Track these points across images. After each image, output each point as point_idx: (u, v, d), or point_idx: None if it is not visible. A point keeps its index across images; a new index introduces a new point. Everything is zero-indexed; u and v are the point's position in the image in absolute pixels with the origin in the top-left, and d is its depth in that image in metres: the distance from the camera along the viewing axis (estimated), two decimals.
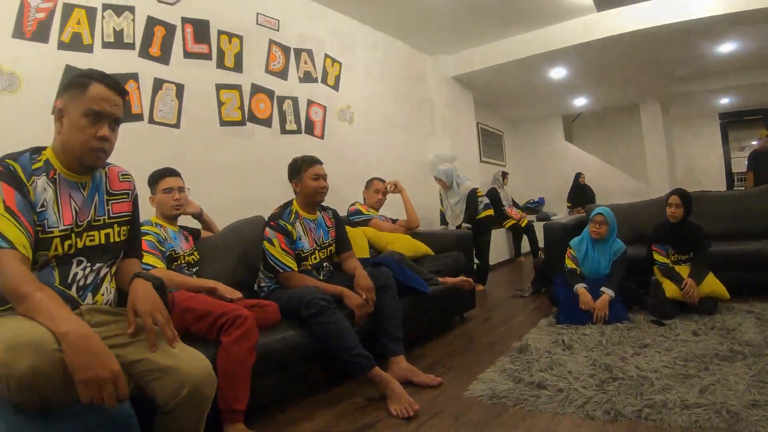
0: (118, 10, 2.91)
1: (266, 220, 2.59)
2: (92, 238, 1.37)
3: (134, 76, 2.98)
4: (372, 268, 2.49)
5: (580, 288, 3.09)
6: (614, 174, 8.73)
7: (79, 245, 1.34)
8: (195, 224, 2.78)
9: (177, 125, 3.20)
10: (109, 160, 1.48)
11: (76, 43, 2.74)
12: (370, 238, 3.33)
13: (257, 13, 3.73)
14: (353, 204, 3.71)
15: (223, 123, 3.47)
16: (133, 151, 2.97)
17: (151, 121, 3.07)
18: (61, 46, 2.69)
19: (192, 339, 1.71)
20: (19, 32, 2.54)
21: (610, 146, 9.82)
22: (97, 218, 1.39)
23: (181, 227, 2.49)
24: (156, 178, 2.37)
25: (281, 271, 2.36)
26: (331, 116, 4.30)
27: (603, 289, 3.05)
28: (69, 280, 1.31)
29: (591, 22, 5.04)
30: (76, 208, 1.34)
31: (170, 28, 3.15)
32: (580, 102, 8.33)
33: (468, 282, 3.11)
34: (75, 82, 1.33)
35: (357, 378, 2.15)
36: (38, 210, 1.25)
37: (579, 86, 7.19)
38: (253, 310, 2.00)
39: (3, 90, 2.51)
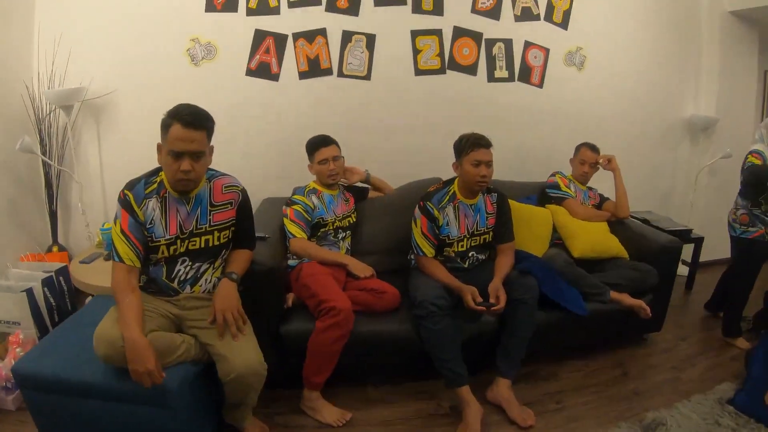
0: None
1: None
2: (194, 243, 1.71)
3: (322, 32, 2.88)
4: (518, 275, 2.21)
5: None
6: None
7: (182, 249, 1.70)
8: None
9: (368, 77, 2.99)
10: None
11: (263, 8, 2.80)
12: (557, 222, 2.81)
13: None
14: (554, 174, 2.99)
15: (419, 72, 3.10)
16: (324, 106, 2.98)
17: (340, 74, 2.94)
18: (250, 12, 2.79)
19: (306, 310, 2.09)
20: (210, 6, 2.75)
21: None
22: (199, 227, 1.71)
23: (346, 188, 2.55)
24: (311, 150, 2.39)
25: (416, 253, 2.28)
26: (554, 60, 3.43)
27: None
28: (173, 275, 1.72)
29: None
30: (181, 220, 1.68)
31: None
32: None
33: (644, 310, 2.45)
34: (163, 122, 1.57)
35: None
36: (148, 226, 1.64)
37: None
38: (370, 293, 2.13)
39: (203, 59, 2.77)
